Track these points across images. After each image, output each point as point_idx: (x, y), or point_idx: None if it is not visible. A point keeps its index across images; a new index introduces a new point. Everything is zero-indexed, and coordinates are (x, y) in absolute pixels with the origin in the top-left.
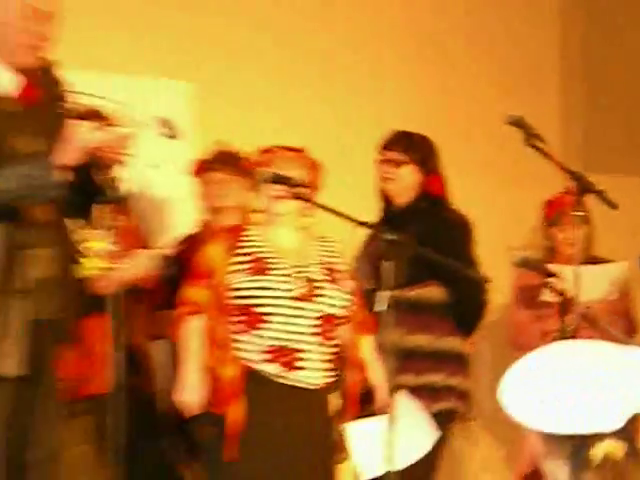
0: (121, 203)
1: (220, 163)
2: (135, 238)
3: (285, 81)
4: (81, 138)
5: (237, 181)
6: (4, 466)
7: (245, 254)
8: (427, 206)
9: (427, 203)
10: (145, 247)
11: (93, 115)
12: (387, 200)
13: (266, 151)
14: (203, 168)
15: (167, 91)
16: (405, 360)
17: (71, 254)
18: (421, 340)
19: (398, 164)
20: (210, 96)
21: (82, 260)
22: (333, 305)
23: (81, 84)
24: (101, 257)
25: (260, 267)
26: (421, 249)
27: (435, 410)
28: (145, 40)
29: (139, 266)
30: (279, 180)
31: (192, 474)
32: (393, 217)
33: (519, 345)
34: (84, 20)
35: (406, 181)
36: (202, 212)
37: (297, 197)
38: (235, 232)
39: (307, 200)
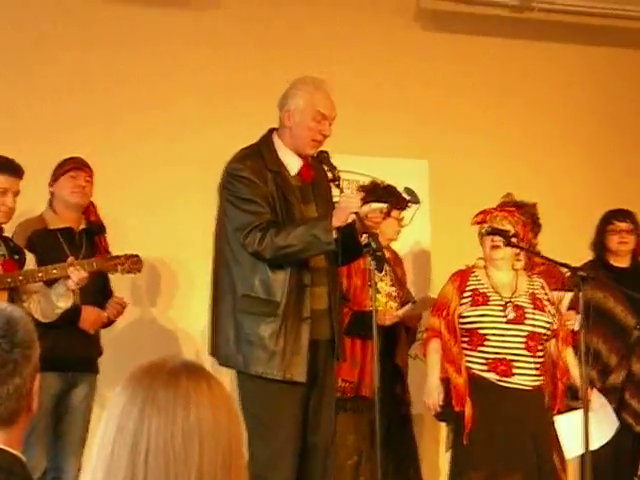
0: (379, 254)
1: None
2: (403, 284)
3: (504, 153)
4: (350, 206)
5: None
6: (298, 446)
7: (470, 290)
8: None
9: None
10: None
11: (361, 190)
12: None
13: (485, 211)
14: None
15: (409, 168)
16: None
17: (338, 291)
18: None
19: (629, 232)
20: (441, 169)
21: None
22: (537, 326)
23: (346, 165)
24: (386, 296)
25: (481, 299)
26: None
27: None
28: (392, 129)
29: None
30: (496, 232)
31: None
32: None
33: None
34: (347, 115)
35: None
36: None
37: (511, 245)
38: (464, 274)
39: (518, 247)
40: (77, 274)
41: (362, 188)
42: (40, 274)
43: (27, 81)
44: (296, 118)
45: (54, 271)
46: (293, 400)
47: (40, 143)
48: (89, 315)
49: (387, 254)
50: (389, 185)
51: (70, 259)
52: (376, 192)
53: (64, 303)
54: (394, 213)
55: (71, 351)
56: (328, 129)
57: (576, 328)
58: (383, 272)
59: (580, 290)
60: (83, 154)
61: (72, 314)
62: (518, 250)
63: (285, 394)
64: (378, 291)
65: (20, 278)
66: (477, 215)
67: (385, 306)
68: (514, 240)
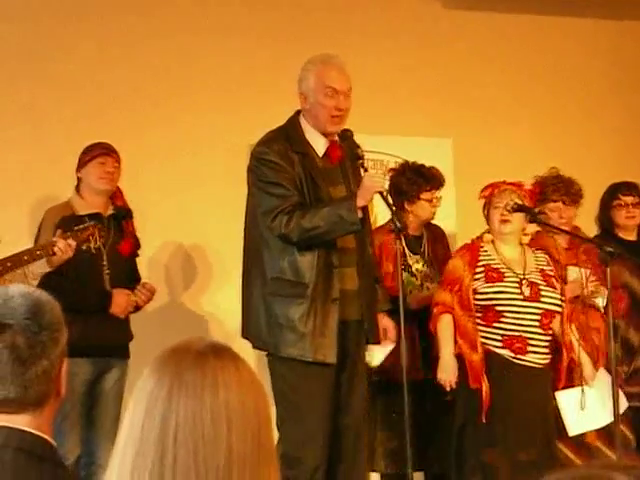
0: (402, 231)
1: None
2: (441, 261)
3: (527, 130)
4: (374, 186)
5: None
6: (329, 427)
7: (482, 266)
8: None
9: None
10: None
11: (391, 171)
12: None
13: (493, 185)
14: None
15: (433, 146)
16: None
17: (368, 271)
18: None
19: (635, 206)
20: (465, 147)
21: (405, 277)
22: (550, 303)
23: (370, 145)
24: (421, 278)
25: (495, 276)
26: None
27: None
28: (416, 108)
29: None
30: (522, 209)
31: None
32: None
33: None
34: (370, 94)
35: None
36: None
37: (537, 222)
38: (472, 248)
39: (547, 225)
40: (63, 242)
41: (392, 170)
42: (26, 257)
43: (48, 70)
44: (310, 99)
45: (38, 252)
46: (324, 381)
47: (63, 131)
48: (120, 300)
49: (424, 233)
50: (420, 166)
51: (58, 232)
52: (405, 174)
53: (37, 282)
54: (424, 195)
55: (103, 337)
56: (343, 102)
57: (602, 304)
58: (420, 253)
59: (607, 266)
60: (107, 141)
61: (103, 299)
62: (526, 224)
63: (316, 375)
64: (413, 274)
65: (9, 265)
66: (485, 189)
67: (421, 288)
68: (541, 217)
